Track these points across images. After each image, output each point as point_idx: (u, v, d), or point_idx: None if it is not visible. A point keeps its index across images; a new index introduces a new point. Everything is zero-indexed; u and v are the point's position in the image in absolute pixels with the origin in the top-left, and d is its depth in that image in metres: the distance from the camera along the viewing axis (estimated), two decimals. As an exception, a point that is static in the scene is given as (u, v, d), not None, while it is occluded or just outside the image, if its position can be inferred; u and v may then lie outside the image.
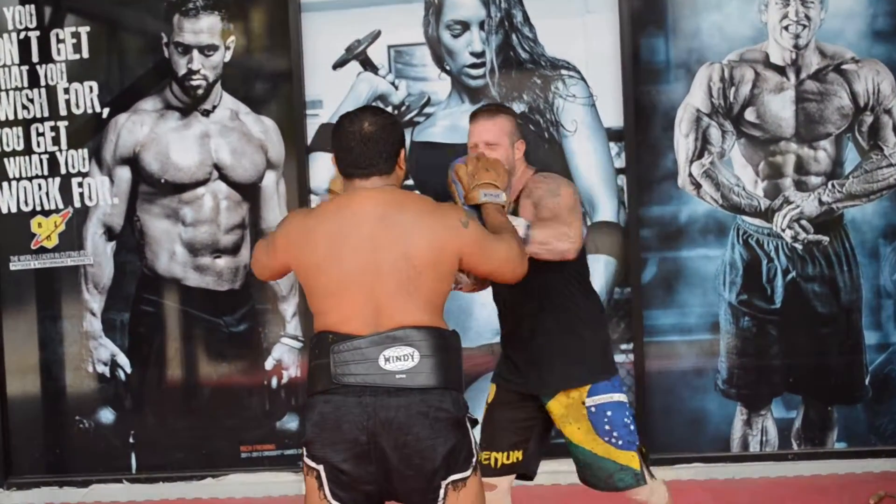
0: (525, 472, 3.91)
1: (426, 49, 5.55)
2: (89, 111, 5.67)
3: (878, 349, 5.50)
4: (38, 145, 5.68)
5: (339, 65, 5.58)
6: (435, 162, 5.49)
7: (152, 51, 5.69)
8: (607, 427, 3.74)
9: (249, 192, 5.66)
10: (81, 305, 5.73)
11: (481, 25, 5.50)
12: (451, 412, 3.05)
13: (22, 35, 5.67)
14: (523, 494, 4.07)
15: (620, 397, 3.78)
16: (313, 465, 3.07)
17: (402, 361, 3.03)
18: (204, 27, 5.63)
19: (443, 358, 3.07)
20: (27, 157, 5.69)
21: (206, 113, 5.65)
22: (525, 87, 5.50)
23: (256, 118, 5.65)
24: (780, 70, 5.44)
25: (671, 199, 5.51)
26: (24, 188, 5.69)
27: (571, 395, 3.75)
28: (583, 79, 5.49)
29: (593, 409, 3.74)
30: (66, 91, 5.67)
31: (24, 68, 5.68)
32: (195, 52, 5.63)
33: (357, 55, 5.57)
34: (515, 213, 3.69)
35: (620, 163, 5.48)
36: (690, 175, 5.47)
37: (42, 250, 5.70)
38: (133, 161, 5.67)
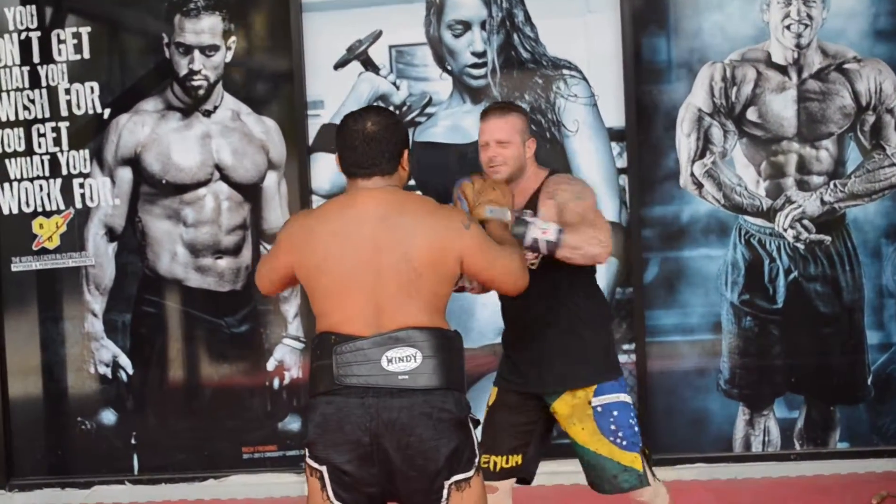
0: (523, 475, 3.90)
1: (427, 49, 5.55)
2: (90, 112, 5.67)
3: (881, 349, 5.49)
4: (40, 146, 5.68)
5: (340, 65, 5.58)
6: (436, 162, 5.49)
7: (153, 51, 5.69)
8: (612, 427, 3.73)
9: (251, 192, 5.65)
10: (83, 306, 5.72)
11: (483, 25, 5.49)
12: (453, 413, 3.05)
13: (23, 35, 5.67)
14: (524, 495, 4.06)
15: (626, 398, 3.78)
16: (316, 466, 3.07)
17: (405, 362, 3.03)
18: (205, 27, 5.63)
19: (445, 358, 3.07)
20: (28, 158, 5.69)
21: (208, 113, 5.64)
22: (526, 87, 5.49)
23: (258, 118, 5.65)
24: (782, 69, 5.43)
25: (673, 198, 5.50)
26: (26, 189, 5.69)
27: (577, 394, 3.75)
28: (584, 78, 5.49)
29: (599, 409, 3.74)
30: (68, 92, 5.66)
31: (25, 69, 5.67)
32: (196, 53, 5.63)
33: (358, 55, 5.57)
34: (534, 210, 3.67)
35: (622, 163, 5.47)
36: (692, 175, 5.47)
37: (43, 251, 5.70)
38: (134, 162, 5.66)
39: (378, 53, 5.56)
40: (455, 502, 3.05)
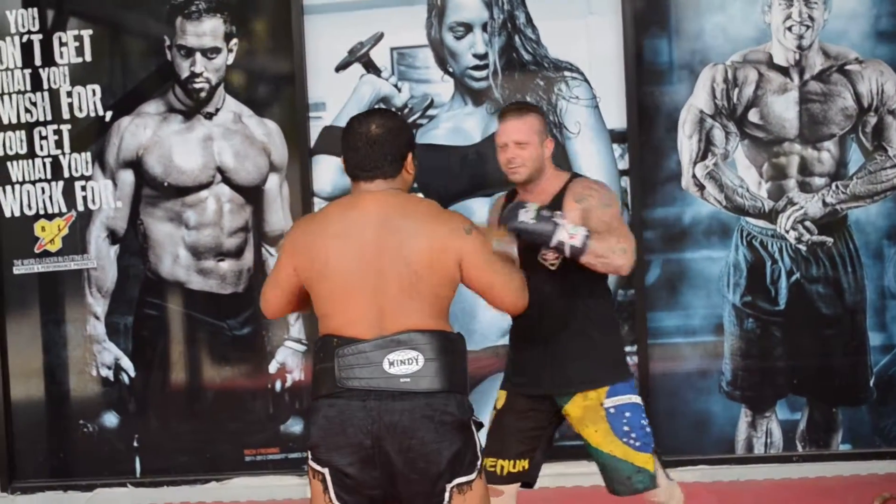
0: (529, 479, 3.90)
1: (429, 51, 5.55)
2: (92, 114, 5.67)
3: (883, 350, 5.49)
4: (42, 149, 5.68)
5: (341, 67, 5.58)
6: (438, 164, 5.49)
7: (155, 54, 5.69)
8: (626, 428, 3.73)
9: (253, 194, 5.65)
10: (85, 309, 5.73)
11: (484, 27, 5.49)
12: (455, 415, 3.05)
13: (24, 38, 5.67)
14: (527, 498, 4.06)
15: (637, 399, 3.78)
16: (318, 468, 3.07)
17: (407, 365, 3.03)
18: (206, 30, 5.63)
19: (447, 361, 3.07)
20: (30, 161, 5.69)
21: (209, 116, 5.64)
22: (528, 89, 5.49)
23: (259, 121, 5.65)
24: (784, 71, 5.43)
25: (675, 200, 5.50)
26: (28, 192, 5.69)
27: (589, 396, 3.74)
28: (586, 80, 5.48)
29: (612, 411, 3.73)
30: (69, 94, 5.66)
31: (27, 72, 5.68)
32: (198, 55, 5.63)
33: (360, 57, 5.56)
34: (559, 209, 3.67)
35: (624, 164, 5.47)
36: (694, 176, 5.47)
37: (45, 254, 5.70)
38: (136, 164, 5.66)
39: (379, 55, 5.56)
40: (457, 505, 3.05)
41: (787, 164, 5.45)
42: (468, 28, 5.51)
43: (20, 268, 5.72)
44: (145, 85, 5.70)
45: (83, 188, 5.67)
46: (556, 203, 3.70)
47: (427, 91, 5.55)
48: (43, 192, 5.69)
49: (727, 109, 5.44)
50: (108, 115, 5.66)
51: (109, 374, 5.72)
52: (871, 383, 5.47)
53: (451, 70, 5.53)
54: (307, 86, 5.54)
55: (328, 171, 5.55)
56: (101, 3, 5.80)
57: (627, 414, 3.74)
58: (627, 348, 5.42)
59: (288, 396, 5.67)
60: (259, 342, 5.68)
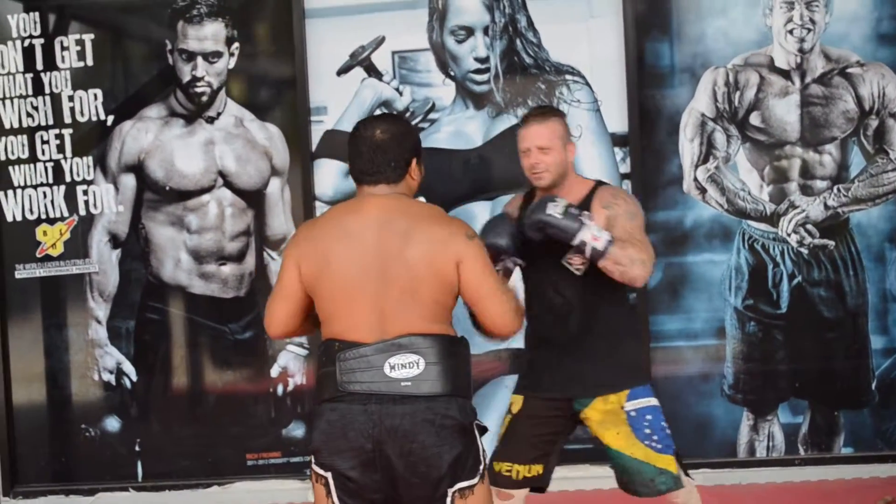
0: (541, 484, 3.90)
1: (430, 55, 5.55)
2: (94, 119, 5.67)
3: (885, 353, 5.49)
4: (43, 153, 5.68)
5: (343, 71, 5.58)
6: (439, 168, 5.49)
7: (156, 58, 5.69)
8: (647, 431, 3.73)
9: (254, 198, 5.65)
10: (87, 313, 5.72)
11: (485, 31, 5.49)
12: (457, 419, 3.04)
13: (26, 43, 5.67)
14: (532, 501, 4.06)
15: (656, 402, 3.79)
16: (321, 472, 3.08)
17: (408, 369, 3.03)
18: (208, 34, 5.63)
19: (449, 365, 3.06)
20: (32, 165, 5.69)
21: (211, 120, 5.65)
22: (529, 93, 5.49)
23: (261, 125, 5.65)
24: (785, 74, 5.43)
25: (676, 203, 5.50)
26: (29, 196, 5.69)
27: (610, 399, 3.74)
28: (587, 84, 5.48)
29: (633, 414, 3.73)
30: (71, 99, 5.67)
31: (29, 76, 5.68)
32: (199, 59, 5.63)
33: (361, 61, 5.56)
34: (587, 210, 3.66)
35: (625, 168, 5.47)
36: (696, 180, 5.46)
37: (47, 258, 5.70)
38: (138, 168, 5.66)
39: (381, 59, 5.56)
40: (459, 510, 3.05)
41: (789, 167, 5.45)
42: (469, 32, 5.51)
43: (22, 272, 5.72)
44: (147, 89, 5.70)
45: (85, 192, 5.67)
46: (583, 207, 3.70)
47: (428, 95, 5.55)
48: (45, 196, 5.69)
49: (728, 113, 5.44)
50: (110, 119, 5.66)
51: (111, 378, 5.72)
52: (873, 386, 5.47)
53: (452, 74, 5.53)
54: (308, 90, 5.54)
55: (330, 175, 5.55)
56: (102, 7, 5.80)
57: (648, 417, 3.74)
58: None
59: (290, 400, 5.67)
60: (261, 346, 5.67)
